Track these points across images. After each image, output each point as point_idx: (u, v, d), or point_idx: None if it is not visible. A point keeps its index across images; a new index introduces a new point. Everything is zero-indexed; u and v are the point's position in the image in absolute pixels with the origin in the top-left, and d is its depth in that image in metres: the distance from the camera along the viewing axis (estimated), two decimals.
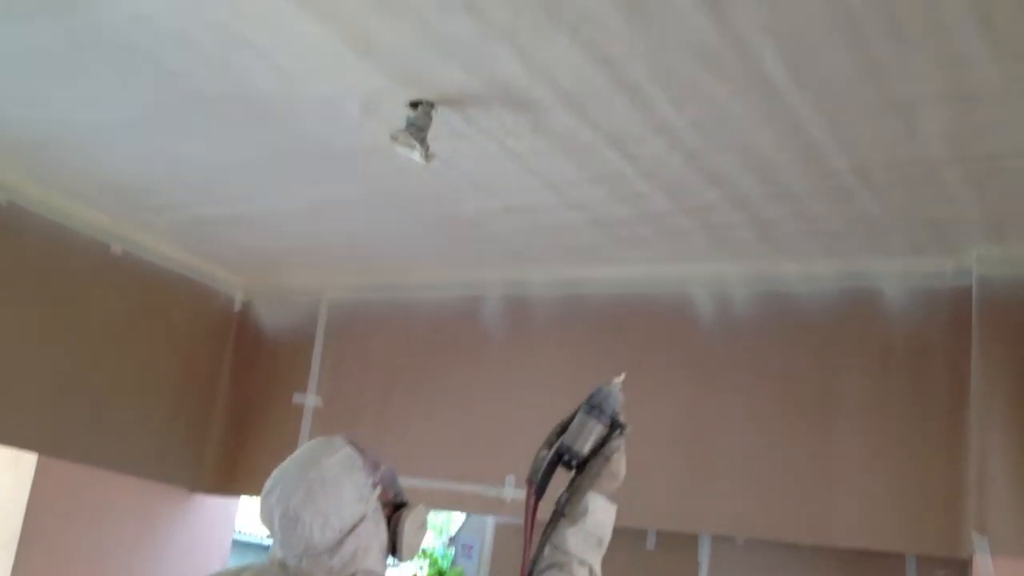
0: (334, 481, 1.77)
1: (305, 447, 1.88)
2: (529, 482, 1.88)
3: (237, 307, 4.70)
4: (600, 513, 1.82)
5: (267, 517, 1.79)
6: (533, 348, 4.10)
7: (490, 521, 4.58)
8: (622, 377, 1.96)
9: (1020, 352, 3.18)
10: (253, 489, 4.68)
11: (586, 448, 1.88)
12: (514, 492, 4.04)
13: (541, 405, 4.03)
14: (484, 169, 3.12)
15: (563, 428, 1.93)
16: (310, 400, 4.50)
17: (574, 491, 1.85)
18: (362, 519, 1.78)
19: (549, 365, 4.04)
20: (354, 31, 2.39)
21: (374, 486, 1.82)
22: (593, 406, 1.92)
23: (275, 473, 1.82)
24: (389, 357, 4.39)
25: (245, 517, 8.27)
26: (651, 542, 4.37)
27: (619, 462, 1.87)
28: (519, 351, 4.12)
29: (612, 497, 1.85)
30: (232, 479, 4.63)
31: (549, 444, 1.92)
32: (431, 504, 4.08)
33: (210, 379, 4.60)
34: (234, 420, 4.64)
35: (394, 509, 1.88)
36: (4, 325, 3.72)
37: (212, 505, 4.75)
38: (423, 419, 4.29)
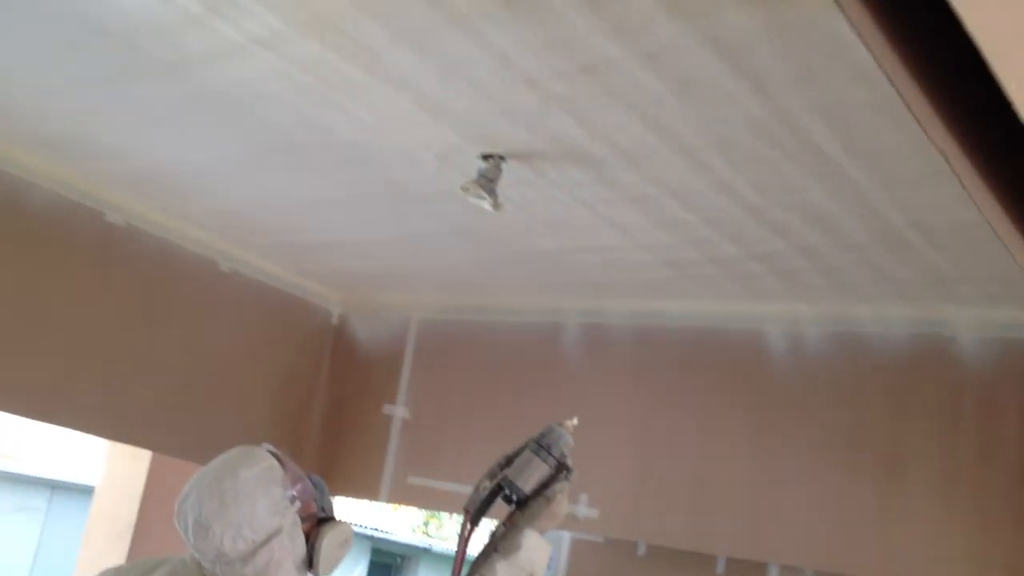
0: (248, 494, 1.77)
1: (226, 456, 1.86)
2: (466, 511, 1.90)
3: (334, 321, 4.98)
4: (533, 551, 1.82)
5: (181, 522, 1.80)
6: (608, 374, 4.24)
7: (566, 536, 4.78)
8: (575, 421, 1.97)
9: None
10: (346, 490, 4.96)
11: (528, 487, 1.89)
12: (587, 510, 4.19)
13: (615, 429, 4.19)
14: (555, 213, 3.28)
15: (508, 461, 1.93)
16: (399, 411, 4.75)
17: (511, 526, 1.87)
18: (277, 532, 1.77)
19: (623, 391, 4.18)
20: (427, 98, 2.58)
21: (292, 500, 1.82)
22: (542, 446, 1.93)
23: (193, 478, 1.82)
24: (473, 374, 4.59)
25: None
26: (720, 566, 4.48)
27: (561, 503, 1.88)
28: (595, 376, 4.27)
29: (547, 534, 1.84)
30: (327, 480, 4.91)
31: (491, 476, 1.93)
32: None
33: (308, 387, 4.89)
34: (329, 426, 4.92)
35: (316, 524, 1.88)
36: (121, 336, 4.06)
37: None
38: (503, 434, 4.45)
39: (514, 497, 1.93)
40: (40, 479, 12.67)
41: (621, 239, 3.41)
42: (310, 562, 1.88)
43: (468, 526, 1.93)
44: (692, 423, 4.02)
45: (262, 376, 4.64)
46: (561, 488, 1.93)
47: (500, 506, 2.01)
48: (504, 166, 2.89)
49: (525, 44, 2.21)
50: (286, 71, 2.57)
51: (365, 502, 5.65)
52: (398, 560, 17.92)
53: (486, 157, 2.89)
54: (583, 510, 4.20)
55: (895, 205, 2.77)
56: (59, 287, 3.85)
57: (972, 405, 3.48)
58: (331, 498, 1.98)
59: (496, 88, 2.45)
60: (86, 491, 10.65)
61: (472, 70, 2.38)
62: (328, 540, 1.89)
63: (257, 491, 1.79)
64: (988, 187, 0.98)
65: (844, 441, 3.68)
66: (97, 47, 2.63)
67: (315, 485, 1.95)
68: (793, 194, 2.82)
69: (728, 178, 2.78)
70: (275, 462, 1.88)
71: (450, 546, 15.38)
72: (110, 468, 4.78)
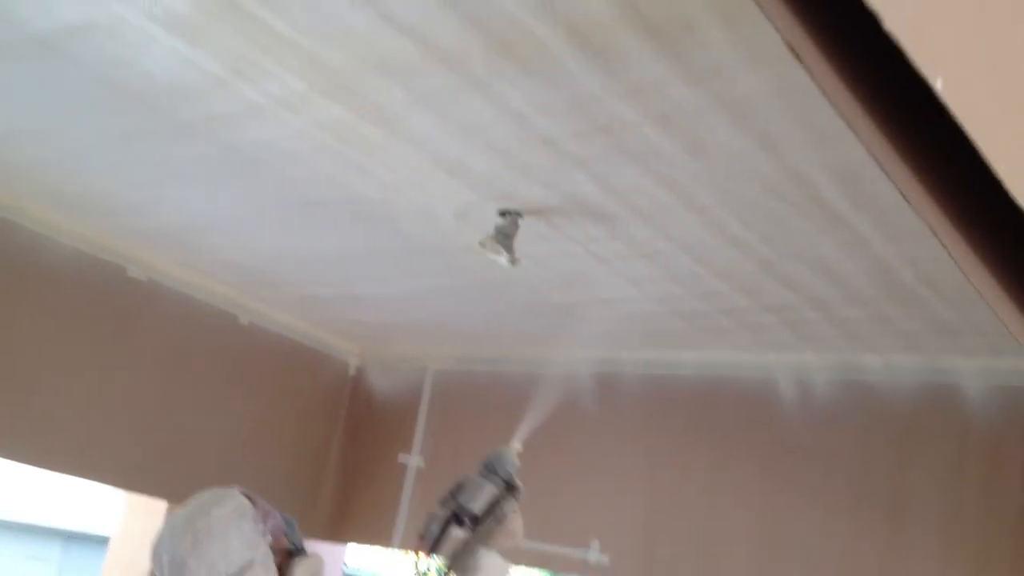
0: (221, 530, 1.83)
1: (197, 497, 1.93)
2: (420, 538, 1.99)
3: (351, 372, 5.05)
4: (493, 569, 1.92)
5: (157, 562, 1.86)
6: (621, 423, 4.28)
7: None
8: (518, 445, 2.11)
9: None
10: (359, 536, 5.01)
11: (477, 507, 2.02)
12: (598, 556, 4.22)
13: (626, 477, 4.23)
14: (570, 267, 3.34)
15: (459, 488, 2.05)
16: (414, 460, 4.79)
17: (466, 549, 1.97)
18: (250, 564, 1.83)
19: (635, 440, 4.23)
20: (445, 157, 2.67)
21: (263, 534, 1.88)
22: (488, 469, 2.08)
23: (166, 521, 1.90)
24: (487, 424, 4.62)
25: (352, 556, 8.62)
26: None
27: (515, 522, 1.99)
28: (607, 425, 4.31)
29: (506, 554, 1.93)
30: (341, 528, 4.97)
31: (443, 503, 2.04)
32: (521, 560, 4.30)
33: (325, 437, 4.95)
34: (345, 475, 4.97)
35: (288, 557, 1.93)
36: (142, 388, 4.13)
37: (323, 550, 5.07)
38: None
39: (466, 519, 2.03)
40: (54, 529, 12.67)
41: (634, 292, 3.47)
42: None
43: (424, 553, 2.04)
44: (702, 471, 4.05)
45: (280, 426, 4.70)
46: (511, 507, 2.05)
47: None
48: (521, 222, 2.96)
49: (542, 105, 2.30)
50: (307, 131, 2.66)
51: (372, 547, 5.69)
52: None
53: (503, 213, 2.96)
54: (594, 556, 4.23)
55: (903, 259, 2.82)
56: (81, 341, 3.93)
57: (976, 452, 3.51)
58: (301, 534, 2.06)
59: (513, 147, 2.53)
60: (100, 541, 10.64)
61: (490, 130, 2.46)
62: (300, 571, 1.96)
63: (230, 527, 1.85)
64: (975, 253, 1.02)
65: (851, 488, 3.71)
66: (122, 108, 2.72)
67: (286, 521, 2.03)
68: (803, 248, 2.89)
69: (739, 233, 2.84)
70: (245, 500, 1.93)
71: None
72: (126, 519, 4.81)
